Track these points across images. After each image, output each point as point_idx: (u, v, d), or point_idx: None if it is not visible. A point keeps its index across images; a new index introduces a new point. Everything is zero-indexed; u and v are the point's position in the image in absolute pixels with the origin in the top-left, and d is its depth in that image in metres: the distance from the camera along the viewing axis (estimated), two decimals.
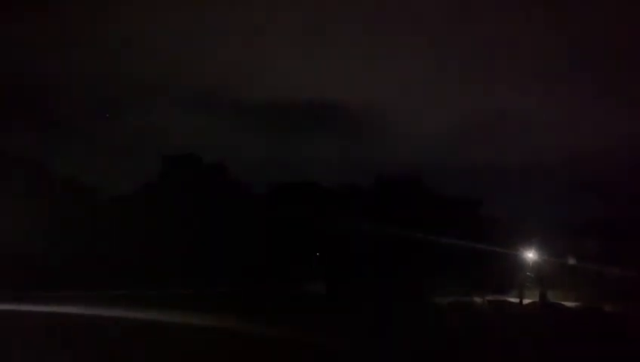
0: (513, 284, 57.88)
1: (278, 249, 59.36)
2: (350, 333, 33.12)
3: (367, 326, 36.40)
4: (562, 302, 53.28)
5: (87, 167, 69.76)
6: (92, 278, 51.51)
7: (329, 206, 61.99)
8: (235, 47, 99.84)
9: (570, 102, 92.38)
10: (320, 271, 60.52)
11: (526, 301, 55.06)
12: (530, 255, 58.00)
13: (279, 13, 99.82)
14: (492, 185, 75.71)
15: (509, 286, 57.98)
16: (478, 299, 54.25)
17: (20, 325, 31.84)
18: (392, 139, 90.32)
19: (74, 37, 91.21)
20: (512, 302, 54.70)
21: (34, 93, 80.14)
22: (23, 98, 77.40)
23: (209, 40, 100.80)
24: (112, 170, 71.31)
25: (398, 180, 65.84)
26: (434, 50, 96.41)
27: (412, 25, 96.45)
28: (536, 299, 55.65)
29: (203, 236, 58.27)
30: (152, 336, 30.31)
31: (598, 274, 55.01)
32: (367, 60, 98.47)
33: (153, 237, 56.89)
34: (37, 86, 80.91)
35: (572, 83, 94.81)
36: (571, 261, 59.09)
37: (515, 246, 57.81)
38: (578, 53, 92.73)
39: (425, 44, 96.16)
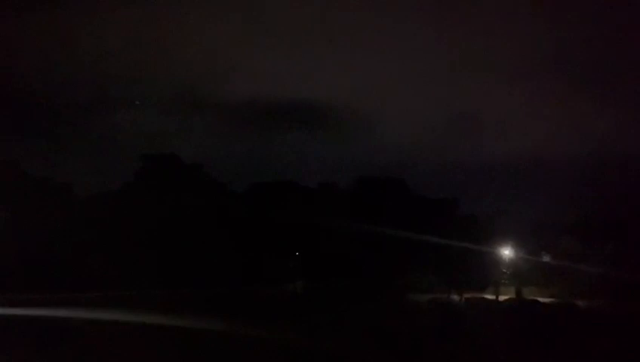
0: (490, 281, 58.64)
1: (257, 248, 59.19)
2: (328, 332, 33.24)
3: (345, 326, 36.58)
4: (537, 299, 54.26)
5: (64, 167, 68.67)
6: (66, 280, 50.70)
7: (309, 205, 62.02)
8: (216, 45, 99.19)
9: (548, 101, 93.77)
10: (299, 271, 60.57)
11: (502, 298, 55.89)
12: (507, 252, 58.86)
13: (262, 12, 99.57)
14: (469, 184, 76.47)
15: (486, 284, 58.73)
16: (455, 297, 54.88)
17: None
18: (371, 139, 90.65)
19: (50, 36, 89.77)
20: (489, 299, 55.48)
21: (8, 92, 78.58)
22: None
23: (189, 38, 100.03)
24: (90, 170, 70.25)
25: (377, 180, 66.19)
26: (414, 51, 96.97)
27: (393, 26, 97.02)
28: (513, 296, 56.50)
29: (181, 236, 57.78)
30: (127, 338, 29.99)
31: (572, 271, 56.09)
32: (348, 61, 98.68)
33: (130, 237, 56.20)
34: (12, 85, 79.34)
35: (549, 83, 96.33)
36: (546, 258, 60.13)
37: (492, 244, 58.59)
38: (553, 52, 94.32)
39: (405, 45, 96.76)
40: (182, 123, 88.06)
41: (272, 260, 59.07)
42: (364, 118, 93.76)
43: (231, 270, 56.69)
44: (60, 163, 69.99)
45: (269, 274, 58.35)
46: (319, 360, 25.54)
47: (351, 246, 58.11)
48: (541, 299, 53.95)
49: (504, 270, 58.89)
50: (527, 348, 29.90)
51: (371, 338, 31.35)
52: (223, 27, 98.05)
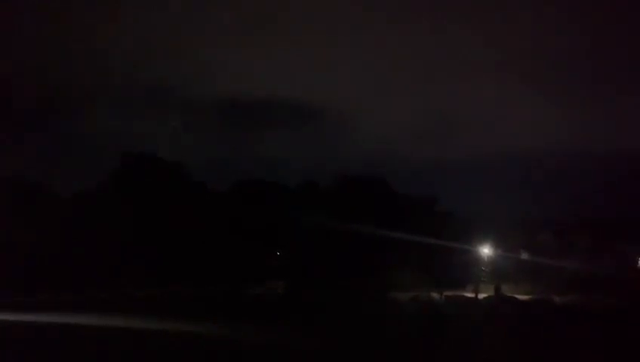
0: (469, 279, 59.21)
1: (238, 248, 58.93)
2: (310, 332, 33.28)
3: (327, 324, 36.65)
4: (516, 296, 55.01)
5: (44, 166, 67.62)
6: (48, 282, 49.94)
7: (290, 205, 61.92)
8: (196, 45, 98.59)
9: (525, 100, 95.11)
10: (281, 270, 60.46)
11: (482, 295, 56.49)
12: (486, 250, 59.51)
13: (243, 12, 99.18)
14: (447, 183, 77.30)
15: (466, 281, 59.27)
16: (436, 295, 55.31)
17: None
18: (351, 137, 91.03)
19: (26, 36, 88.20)
20: (469, 297, 56.05)
21: None
22: None
23: (168, 38, 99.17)
24: (68, 169, 69.28)
25: (358, 178, 66.36)
26: (394, 51, 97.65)
27: (374, 26, 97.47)
28: (492, 293, 57.15)
29: (161, 236, 57.25)
30: (106, 342, 29.61)
31: (549, 267, 57.00)
32: (329, 61, 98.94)
33: (109, 237, 55.53)
34: None
35: (524, 82, 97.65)
36: (524, 256, 60.97)
37: (471, 242, 59.17)
38: (534, 50, 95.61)
39: (385, 45, 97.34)
40: (162, 122, 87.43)
41: (254, 260, 58.86)
42: (344, 116, 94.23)
43: (212, 270, 56.37)
44: (37, 163, 68.90)
45: (251, 273, 58.14)
46: (301, 359, 25.53)
47: (332, 244, 58.20)
48: (519, 296, 54.69)
49: (483, 268, 59.53)
50: (506, 345, 30.30)
51: (352, 337, 31.47)
52: (204, 27, 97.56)
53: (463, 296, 56.30)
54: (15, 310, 38.71)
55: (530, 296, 54.50)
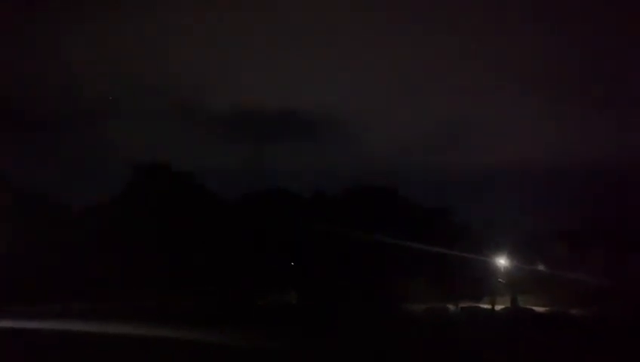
0: (485, 291, 58.47)
1: (250, 258, 58.78)
2: (323, 343, 32.92)
3: (340, 336, 36.24)
4: (533, 307, 54.12)
5: (57, 178, 68.18)
6: (61, 292, 50.19)
7: (302, 215, 61.78)
8: (207, 57, 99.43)
9: (541, 111, 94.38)
10: (293, 281, 60.13)
11: (498, 307, 55.70)
12: (502, 261, 58.75)
13: (252, 25, 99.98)
14: (462, 194, 76.64)
15: (482, 293, 58.56)
16: (451, 306, 54.64)
17: None
18: (364, 148, 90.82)
19: (40, 50, 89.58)
20: (485, 308, 55.30)
21: (1, 105, 78.31)
22: None
23: (181, 50, 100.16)
24: (82, 181, 69.83)
25: (371, 189, 66.12)
26: (405, 62, 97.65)
27: (383, 37, 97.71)
28: (508, 305, 56.34)
29: (174, 246, 57.32)
30: (119, 349, 29.59)
31: (567, 279, 56.05)
32: (340, 72, 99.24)
33: (122, 248, 55.71)
34: (4, 98, 78.98)
35: (539, 92, 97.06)
36: (541, 267, 60.08)
37: (487, 253, 58.48)
38: (546, 62, 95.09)
39: (396, 56, 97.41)
40: (174, 134, 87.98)
41: (266, 270, 58.62)
42: (356, 127, 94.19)
43: (224, 280, 56.23)
44: (51, 175, 69.50)
45: (263, 284, 57.91)
46: None
47: (345, 255, 57.84)
48: (536, 308, 53.81)
49: (500, 279, 58.75)
50: (523, 357, 29.69)
51: (366, 347, 31.05)
52: (215, 39, 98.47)
53: (479, 307, 55.56)
54: (30, 318, 38.94)
55: (547, 308, 53.57)
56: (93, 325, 36.60)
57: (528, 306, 54.91)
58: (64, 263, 53.35)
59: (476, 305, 55.89)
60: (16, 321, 37.61)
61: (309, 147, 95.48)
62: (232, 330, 36.62)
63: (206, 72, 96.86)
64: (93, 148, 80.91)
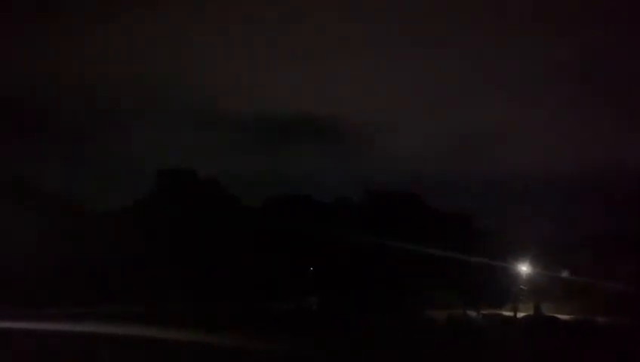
0: (507, 297, 57.82)
1: (272, 263, 59.12)
2: (344, 349, 32.98)
3: (361, 342, 36.25)
4: (556, 315, 53.34)
5: (80, 182, 69.41)
6: (84, 295, 51.11)
7: (323, 220, 61.95)
8: (229, 61, 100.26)
9: (566, 115, 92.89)
10: (314, 286, 60.28)
11: (520, 314, 55.03)
12: (524, 268, 58.03)
13: (273, 28, 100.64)
14: (484, 199, 75.84)
15: (504, 300, 57.91)
16: (473, 313, 54.17)
17: (9, 343, 31.51)
18: (385, 153, 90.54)
19: (63, 53, 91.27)
20: (507, 316, 54.69)
21: (26, 108, 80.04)
22: (14, 114, 77.26)
23: (204, 54, 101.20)
24: (106, 185, 70.95)
25: (392, 194, 66.00)
26: (426, 64, 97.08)
27: (405, 39, 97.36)
28: (531, 312, 55.62)
29: (197, 251, 58.00)
30: (146, 353, 30.07)
31: (592, 287, 55.13)
32: (362, 75, 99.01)
33: (147, 252, 56.57)
34: (25, 102, 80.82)
35: (565, 95, 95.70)
36: (565, 274, 59.20)
37: (509, 259, 57.85)
38: (568, 65, 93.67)
39: (416, 58, 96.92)
40: (197, 138, 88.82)
41: (287, 275, 58.90)
42: (377, 131, 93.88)
43: (245, 285, 56.66)
44: (78, 179, 70.82)
45: (284, 289, 58.17)
46: None
47: (366, 261, 57.80)
48: (560, 316, 53.01)
49: (522, 286, 58.03)
50: None
51: (387, 356, 31.02)
52: (237, 43, 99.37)
53: (501, 314, 54.94)
54: (55, 320, 39.75)
55: (571, 316, 52.73)
56: (119, 328, 37.24)
57: (552, 314, 54.13)
58: (88, 266, 54.36)
59: (498, 312, 55.27)
60: (40, 323, 38.42)
61: (330, 152, 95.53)
62: (252, 335, 36.89)
63: (231, 76, 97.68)
64: (116, 153, 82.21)
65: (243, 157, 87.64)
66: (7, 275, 48.17)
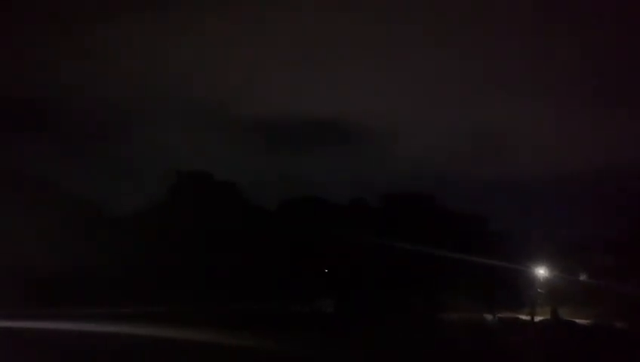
0: (524, 301, 57.24)
1: (286, 266, 59.28)
2: (359, 351, 32.94)
3: (376, 344, 36.17)
4: (574, 319, 52.65)
5: (97, 184, 70.19)
6: (101, 295, 51.70)
7: (338, 222, 61.94)
8: (243, 64, 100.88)
9: (582, 115, 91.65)
10: (328, 289, 60.27)
11: (537, 318, 54.43)
12: (541, 271, 57.40)
13: (286, 31, 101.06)
14: (501, 201, 75.23)
15: (521, 303, 57.33)
16: (489, 316, 53.73)
17: (24, 342, 32.01)
18: (401, 156, 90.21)
19: (82, 57, 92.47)
20: (524, 319, 54.13)
21: (44, 109, 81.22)
22: (32, 115, 78.46)
23: (218, 58, 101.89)
24: (121, 187, 71.70)
25: (407, 196, 65.74)
26: (440, 66, 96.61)
27: (418, 41, 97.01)
28: (548, 316, 55.00)
29: (213, 253, 58.37)
30: (161, 353, 30.37)
31: (611, 291, 54.31)
32: (376, 77, 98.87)
33: (162, 254, 57.09)
34: (46, 102, 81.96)
35: (580, 96, 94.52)
36: (583, 277, 58.43)
37: (526, 262, 57.27)
38: (585, 63, 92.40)
39: (430, 60, 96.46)
40: (212, 140, 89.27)
41: (301, 277, 58.99)
42: (392, 135, 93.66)
43: (261, 287, 56.85)
44: (94, 181, 71.60)
45: (298, 291, 58.25)
46: None
47: (380, 263, 57.64)
48: (578, 320, 52.31)
49: (539, 289, 57.41)
50: None
51: (402, 358, 30.92)
52: (250, 46, 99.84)
53: (518, 318, 54.40)
54: (78, 320, 40.29)
55: (589, 321, 52.00)
56: (141, 328, 37.66)
57: (570, 318, 53.46)
58: (107, 267, 54.97)
59: (515, 315, 54.75)
60: (63, 323, 38.95)
61: (345, 155, 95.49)
62: (267, 336, 37.01)
63: (245, 79, 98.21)
64: (133, 155, 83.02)
65: (256, 160, 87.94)
66: (25, 275, 48.93)
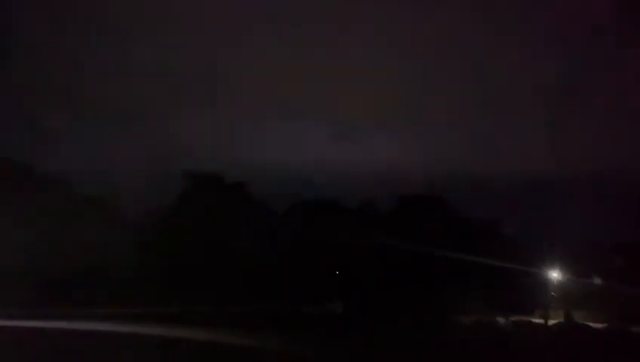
0: (537, 304, 56.66)
1: (297, 267, 59.22)
2: (370, 354, 32.78)
3: (387, 347, 35.99)
4: (588, 323, 52.01)
5: (109, 184, 70.48)
6: (113, 296, 52.01)
7: (349, 225, 61.80)
8: (248, 65, 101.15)
9: (594, 116, 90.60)
10: (339, 291, 60.12)
11: (551, 322, 53.88)
12: (555, 274, 56.80)
13: (294, 33, 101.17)
14: (513, 203, 74.47)
15: (534, 306, 56.79)
16: (501, 320, 53.26)
17: (36, 342, 32.27)
18: (411, 158, 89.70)
19: (95, 53, 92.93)
20: (537, 323, 53.61)
21: (58, 114, 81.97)
22: (48, 119, 79.20)
23: (226, 58, 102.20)
24: (133, 187, 71.90)
25: (418, 198, 65.44)
26: (450, 66, 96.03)
27: (427, 37, 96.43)
28: (562, 320, 54.40)
29: (222, 254, 58.49)
30: (171, 353, 30.46)
31: (625, 294, 53.59)
32: (385, 76, 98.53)
33: (174, 254, 57.31)
34: (61, 108, 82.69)
35: (593, 96, 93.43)
36: (597, 281, 57.74)
37: (539, 265, 56.72)
38: (595, 64, 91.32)
39: (439, 58, 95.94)
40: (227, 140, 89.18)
41: (312, 279, 58.89)
42: (402, 136, 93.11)
43: (271, 288, 56.84)
44: (106, 181, 71.92)
45: (309, 293, 58.16)
46: None
47: (392, 265, 57.38)
48: (593, 324, 51.66)
49: (552, 292, 56.82)
50: None
51: (413, 361, 30.71)
52: (262, 44, 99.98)
53: (531, 321, 53.87)
54: (89, 319, 40.58)
55: (604, 325, 51.32)
56: (155, 328, 37.84)
57: (584, 321, 52.81)
58: (118, 267, 55.30)
59: (528, 319, 54.21)
60: (75, 323, 39.22)
61: (353, 156, 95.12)
62: (277, 337, 36.97)
63: (253, 81, 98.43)
64: (148, 157, 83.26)
65: (266, 160, 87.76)
66: (36, 276, 49.35)
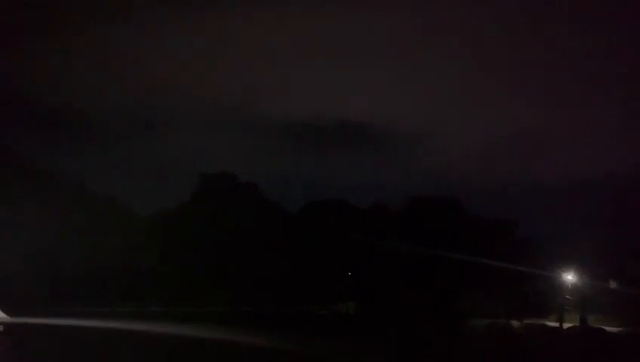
0: (552, 308, 56.15)
1: (310, 268, 59.34)
2: (383, 355, 32.76)
3: (400, 349, 35.93)
4: (604, 327, 51.42)
5: (125, 186, 71.44)
6: (125, 294, 52.52)
7: (361, 226, 61.78)
8: (269, 67, 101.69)
9: (611, 122, 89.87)
10: (352, 291, 60.11)
11: (566, 325, 53.36)
12: (570, 277, 56.23)
13: (311, 33, 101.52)
14: (528, 206, 74.00)
15: (548, 310, 56.28)
16: (515, 323, 52.87)
17: (57, 338, 32.70)
18: (425, 160, 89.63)
19: (109, 60, 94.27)
20: (552, 326, 53.12)
21: (73, 116, 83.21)
22: (62, 120, 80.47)
23: (243, 62, 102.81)
24: (148, 188, 72.76)
25: (431, 200, 65.25)
26: (468, 71, 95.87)
27: (447, 46, 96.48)
28: (577, 324, 53.86)
29: (236, 255, 58.78)
30: (184, 352, 30.72)
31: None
32: (402, 82, 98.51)
33: (187, 255, 57.72)
34: (75, 109, 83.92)
35: (610, 103, 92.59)
36: (613, 285, 57.07)
37: (554, 268, 56.21)
38: (613, 73, 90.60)
39: (459, 65, 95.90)
40: (236, 143, 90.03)
41: (325, 280, 58.98)
42: (416, 139, 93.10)
43: (284, 289, 57.01)
44: (122, 183, 72.86)
45: (322, 293, 58.25)
46: None
47: (404, 267, 57.28)
48: (607, 328, 51.07)
49: (568, 296, 56.24)
50: None
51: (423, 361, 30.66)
52: (277, 50, 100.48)
53: (546, 324, 53.39)
54: (104, 318, 41.01)
55: (619, 329, 50.72)
56: (168, 327, 38.15)
57: (599, 325, 52.23)
58: (134, 266, 55.83)
59: (542, 322, 53.75)
60: (88, 320, 39.65)
61: (368, 158, 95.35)
62: (290, 337, 37.09)
63: (267, 84, 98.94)
64: (160, 157, 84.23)
65: (281, 163, 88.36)
66: (53, 274, 50.00)
